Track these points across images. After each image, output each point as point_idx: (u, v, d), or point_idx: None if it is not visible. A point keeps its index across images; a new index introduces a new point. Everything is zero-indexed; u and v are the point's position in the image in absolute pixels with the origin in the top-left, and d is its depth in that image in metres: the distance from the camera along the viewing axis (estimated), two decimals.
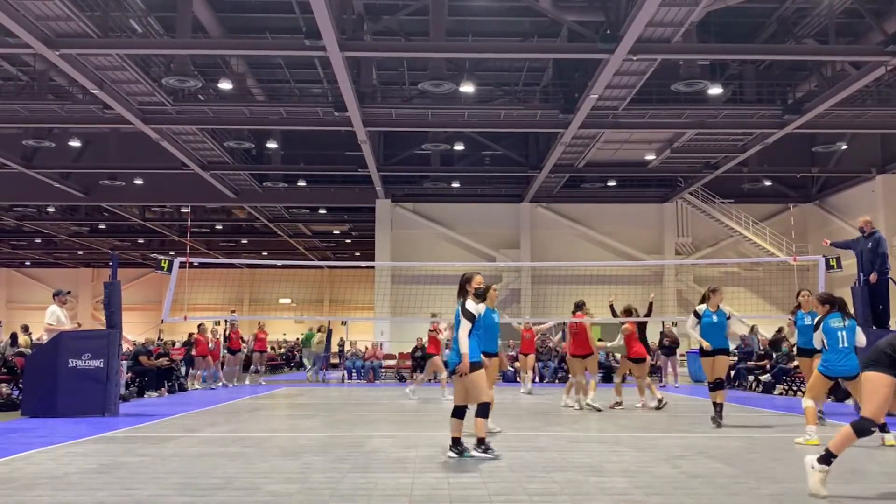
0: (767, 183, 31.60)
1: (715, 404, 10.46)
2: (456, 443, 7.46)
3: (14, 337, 19.50)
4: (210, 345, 19.85)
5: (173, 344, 25.27)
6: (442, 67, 19.17)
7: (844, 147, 27.35)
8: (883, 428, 8.42)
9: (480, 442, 7.42)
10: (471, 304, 7.53)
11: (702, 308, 10.62)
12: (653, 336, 21.71)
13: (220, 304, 47.41)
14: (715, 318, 10.47)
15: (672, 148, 26.37)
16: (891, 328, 12.63)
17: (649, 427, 10.30)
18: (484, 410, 7.45)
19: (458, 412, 7.54)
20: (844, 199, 31.01)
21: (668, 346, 20.81)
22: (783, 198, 33.28)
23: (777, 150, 26.92)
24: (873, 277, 12.20)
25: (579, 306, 13.39)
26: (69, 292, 13.74)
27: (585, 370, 13.16)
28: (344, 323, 28.70)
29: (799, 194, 33.19)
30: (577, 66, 21.83)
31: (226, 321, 22.11)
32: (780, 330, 19.75)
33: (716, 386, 10.44)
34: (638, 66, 18.35)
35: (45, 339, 13.05)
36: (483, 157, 30.43)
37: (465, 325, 7.37)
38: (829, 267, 13.50)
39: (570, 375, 13.97)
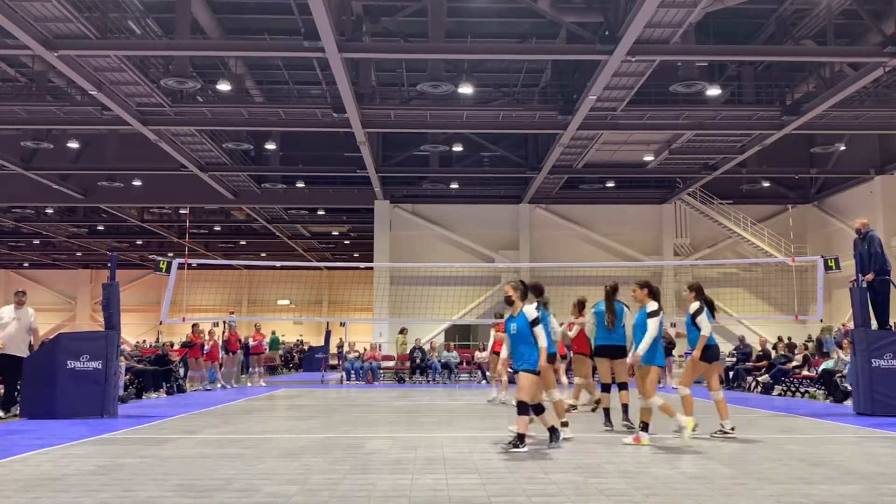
0: (766, 184, 31.63)
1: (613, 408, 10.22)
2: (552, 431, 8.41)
3: None
4: (206, 347, 19.83)
5: (171, 345, 25.29)
6: (441, 69, 19.18)
7: (843, 148, 27.37)
8: (645, 427, 8.63)
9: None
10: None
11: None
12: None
13: (218, 306, 47.47)
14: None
15: (670, 149, 26.39)
16: (890, 328, 12.66)
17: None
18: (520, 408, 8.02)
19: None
20: (843, 200, 31.04)
21: (665, 348, 20.73)
22: (782, 199, 33.32)
23: (775, 151, 26.94)
24: (869, 277, 12.25)
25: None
26: (24, 292, 12.53)
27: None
28: (342, 324, 28.68)
29: (797, 195, 33.22)
30: (576, 68, 21.85)
31: (224, 322, 22.09)
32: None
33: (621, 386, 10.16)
34: (636, 67, 18.35)
35: None
36: (482, 159, 30.46)
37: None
38: (827, 268, 13.51)
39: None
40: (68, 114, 22.35)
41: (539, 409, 8.34)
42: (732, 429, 9.20)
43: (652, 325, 8.55)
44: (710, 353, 9.15)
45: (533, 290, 8.95)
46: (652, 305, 8.66)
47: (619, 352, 9.97)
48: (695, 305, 9.07)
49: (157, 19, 19.49)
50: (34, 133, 24.54)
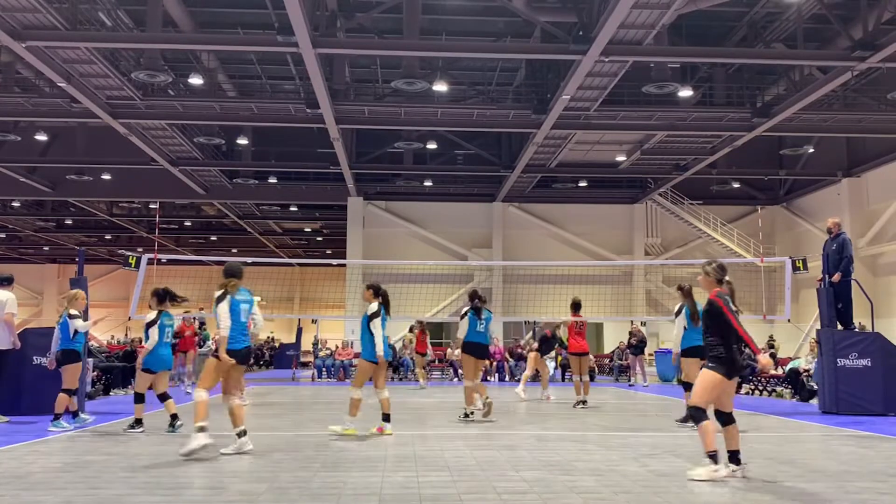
0: (736, 185, 32.01)
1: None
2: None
3: None
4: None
5: (140, 341, 24.91)
6: (415, 66, 19.14)
7: (811, 150, 27.78)
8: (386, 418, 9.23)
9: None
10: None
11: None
12: (620, 335, 21.93)
13: (188, 302, 46.89)
14: None
15: (642, 149, 26.60)
16: (854, 328, 12.88)
17: (618, 426, 10.38)
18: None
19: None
20: (811, 202, 31.50)
21: (636, 346, 21.00)
22: (751, 200, 33.74)
23: (745, 153, 27.27)
24: (836, 278, 12.45)
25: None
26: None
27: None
28: (314, 321, 28.52)
29: (766, 196, 33.66)
30: (550, 67, 21.93)
31: (194, 319, 21.82)
32: None
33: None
34: (610, 67, 18.47)
35: None
36: (456, 157, 30.49)
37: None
38: (795, 268, 13.71)
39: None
40: (36, 106, 21.99)
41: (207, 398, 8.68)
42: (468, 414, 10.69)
43: (373, 325, 9.14)
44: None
45: None
46: (372, 307, 9.24)
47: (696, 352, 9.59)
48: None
49: (128, 11, 19.22)
50: (1, 125, 24.11)
